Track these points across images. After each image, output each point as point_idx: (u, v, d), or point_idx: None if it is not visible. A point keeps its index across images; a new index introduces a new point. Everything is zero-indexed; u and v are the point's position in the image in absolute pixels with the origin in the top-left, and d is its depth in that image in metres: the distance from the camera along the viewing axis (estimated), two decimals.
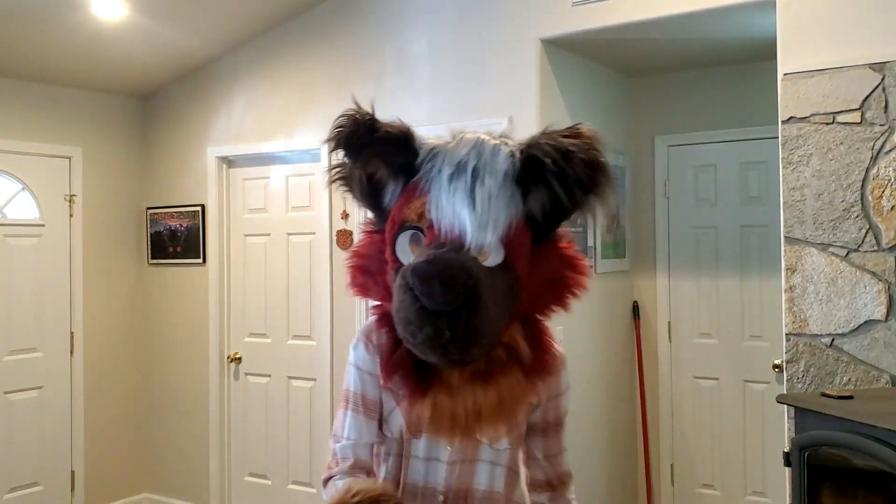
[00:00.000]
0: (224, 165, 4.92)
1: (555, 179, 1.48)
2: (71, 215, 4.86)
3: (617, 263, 4.42)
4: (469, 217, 1.46)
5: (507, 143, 1.55)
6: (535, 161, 1.48)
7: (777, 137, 3.10)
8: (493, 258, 1.47)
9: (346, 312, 4.33)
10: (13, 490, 4.54)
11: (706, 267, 4.42)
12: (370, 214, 1.66)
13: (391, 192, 1.58)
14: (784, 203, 3.07)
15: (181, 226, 5.06)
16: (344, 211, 4.34)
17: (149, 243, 5.21)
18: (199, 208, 4.96)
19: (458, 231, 1.46)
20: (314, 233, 4.53)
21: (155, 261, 5.19)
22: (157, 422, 5.17)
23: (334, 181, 1.63)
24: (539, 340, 1.60)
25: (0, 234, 4.54)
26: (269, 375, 4.74)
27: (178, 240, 5.08)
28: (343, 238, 4.34)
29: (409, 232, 1.54)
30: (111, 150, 5.08)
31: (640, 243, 4.59)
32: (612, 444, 4.32)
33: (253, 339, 4.81)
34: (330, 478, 1.56)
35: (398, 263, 1.52)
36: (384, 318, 1.57)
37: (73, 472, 4.81)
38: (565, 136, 1.50)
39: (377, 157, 1.54)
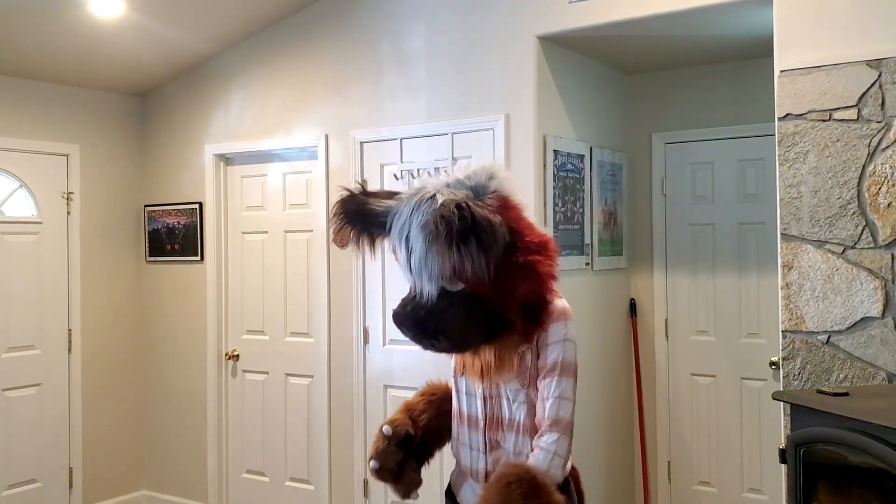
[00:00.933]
0: (221, 163, 4.92)
1: (448, 240, 1.89)
2: (69, 213, 4.86)
3: (614, 261, 4.43)
4: (417, 282, 1.98)
5: (435, 201, 1.95)
6: (436, 233, 1.89)
7: (774, 135, 3.11)
8: (453, 287, 1.95)
9: (343, 310, 4.33)
10: (11, 487, 4.55)
11: (703, 264, 4.42)
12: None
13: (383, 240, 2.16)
14: (780, 200, 3.07)
15: (179, 223, 5.06)
16: None
17: (146, 241, 5.21)
18: (196, 206, 4.96)
19: (416, 290, 2.00)
20: (311, 230, 4.53)
21: (153, 258, 5.19)
22: (155, 419, 5.18)
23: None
24: (540, 307, 2.02)
25: None
26: (267, 372, 4.75)
27: (175, 237, 5.08)
28: (340, 236, 4.33)
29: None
30: (109, 147, 5.08)
31: (638, 240, 4.60)
32: (609, 440, 4.33)
33: (251, 337, 4.82)
34: None
35: None
36: None
37: (71, 469, 4.82)
38: (435, 217, 1.90)
39: (364, 228, 2.17)
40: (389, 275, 4.16)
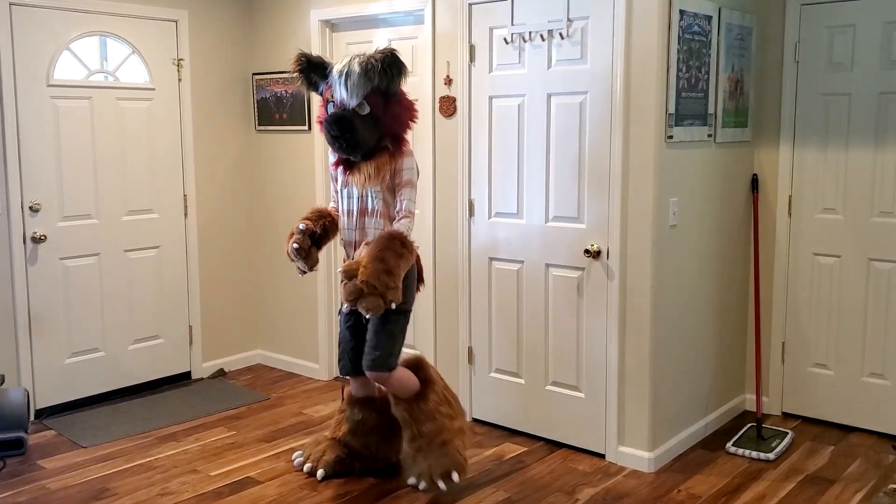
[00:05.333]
0: (327, 29, 4.82)
1: (374, 71, 3.23)
2: (180, 80, 4.90)
3: (738, 133, 4.16)
4: (346, 93, 3.25)
5: (360, 58, 3.26)
6: (369, 63, 3.23)
7: None
8: (364, 110, 3.27)
9: (448, 182, 4.26)
10: (137, 342, 4.83)
11: (835, 137, 4.11)
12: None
13: (321, 87, 3.42)
14: None
15: (286, 92, 5.04)
16: (447, 76, 4.21)
17: (255, 109, 5.23)
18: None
19: (342, 99, 3.27)
20: (417, 99, 4.40)
21: (262, 127, 5.22)
22: (267, 283, 5.35)
23: (299, 84, 3.50)
24: (398, 143, 3.37)
25: (114, 96, 4.63)
26: None
27: (283, 106, 5.08)
28: (446, 104, 4.23)
29: (330, 103, 3.34)
30: (216, 13, 5.05)
31: (764, 112, 4.30)
32: (721, 318, 4.20)
33: None
34: None
35: None
36: None
37: (190, 328, 5.07)
38: (379, 50, 3.28)
39: (310, 72, 3.42)
40: (497, 147, 4.05)
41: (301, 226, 3.43)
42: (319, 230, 3.49)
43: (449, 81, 4.22)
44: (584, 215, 3.78)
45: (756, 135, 4.33)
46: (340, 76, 3.25)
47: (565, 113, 3.79)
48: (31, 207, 4.31)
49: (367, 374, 3.40)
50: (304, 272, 3.52)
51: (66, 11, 4.38)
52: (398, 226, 3.29)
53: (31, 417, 4.32)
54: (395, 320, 3.35)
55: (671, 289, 3.75)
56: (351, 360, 3.56)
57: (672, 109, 3.59)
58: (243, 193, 5.31)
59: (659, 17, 3.47)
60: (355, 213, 3.42)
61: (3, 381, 4.00)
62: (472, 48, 4.10)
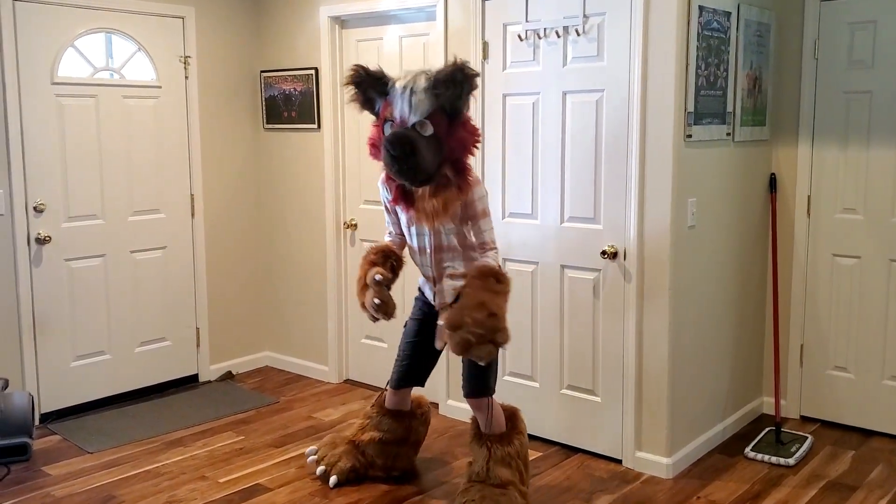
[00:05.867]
0: (337, 26, 4.74)
1: (444, 88, 2.92)
2: (186, 77, 4.83)
3: (756, 132, 4.08)
4: (408, 110, 2.94)
5: (427, 73, 2.97)
6: (437, 80, 2.93)
7: None
8: (427, 131, 2.93)
9: None
10: (143, 344, 4.75)
11: (856, 136, 4.03)
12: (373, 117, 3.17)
13: (378, 104, 3.09)
14: None
15: (295, 90, 4.97)
16: None
17: (263, 108, 5.16)
18: (312, 71, 4.84)
19: (403, 117, 2.95)
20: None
21: (270, 125, 5.14)
22: (276, 284, 5.27)
23: (350, 101, 3.16)
24: (462, 172, 3.04)
25: (119, 94, 4.55)
26: None
27: (292, 104, 5.00)
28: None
29: (388, 122, 3.02)
30: (224, 9, 4.97)
31: (783, 110, 4.22)
32: (739, 320, 4.12)
33: (368, 207, 4.77)
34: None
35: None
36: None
37: (197, 330, 5.00)
38: (450, 66, 2.93)
39: (368, 86, 3.07)
40: (511, 146, 3.97)
41: (377, 277, 3.18)
42: (390, 273, 3.27)
43: None
44: (601, 216, 3.70)
45: (774, 133, 4.25)
46: (405, 91, 2.94)
47: (581, 111, 3.71)
48: (35, 208, 4.23)
49: (470, 401, 3.26)
50: (378, 320, 3.29)
51: (71, 8, 4.30)
52: (487, 261, 3.07)
53: (36, 422, 4.25)
54: None
55: (689, 291, 3.67)
56: (401, 375, 3.45)
57: (691, 108, 3.51)
58: (251, 193, 5.23)
59: (678, 14, 3.38)
60: (429, 251, 3.19)
61: (7, 386, 3.93)
62: (485, 45, 4.02)
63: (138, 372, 4.73)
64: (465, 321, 2.86)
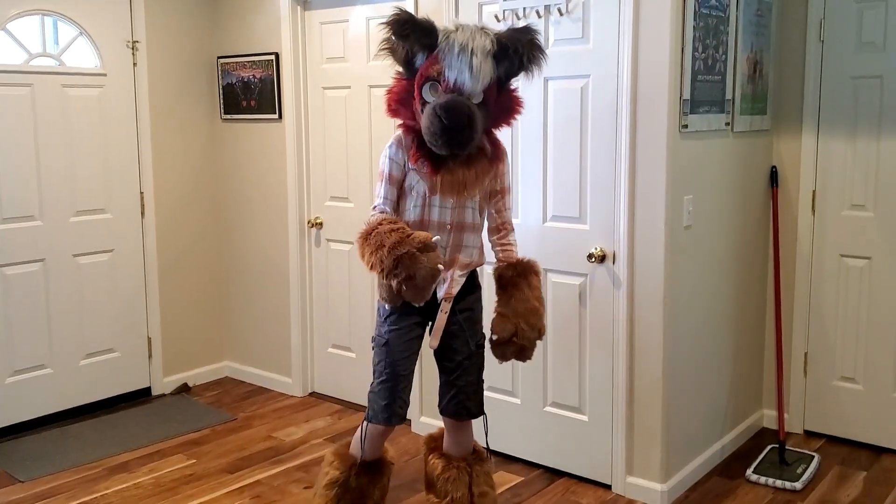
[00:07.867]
0: (299, 7, 4.36)
1: (515, 56, 2.55)
2: (135, 64, 4.42)
3: (756, 121, 3.73)
4: (468, 77, 2.50)
5: (487, 33, 2.55)
6: (503, 46, 2.54)
7: None
8: (477, 99, 2.54)
9: None
10: (89, 356, 4.36)
11: (866, 125, 3.69)
12: (400, 69, 2.65)
13: (419, 59, 2.57)
14: None
15: (255, 77, 4.57)
16: None
17: (221, 96, 4.76)
18: (272, 57, 4.45)
19: (461, 84, 2.50)
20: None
21: (228, 116, 4.75)
22: (235, 288, 4.89)
23: (381, 51, 2.63)
24: (496, 143, 2.73)
25: (59, 83, 4.14)
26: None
27: (251, 93, 4.61)
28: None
29: (431, 83, 2.55)
30: None
31: (785, 97, 3.87)
32: (739, 328, 3.78)
33: (334, 204, 4.39)
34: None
35: (423, 101, 2.55)
36: (409, 130, 2.66)
37: (149, 339, 4.60)
38: (517, 30, 2.59)
39: (415, 38, 2.53)
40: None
41: (436, 238, 2.53)
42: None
43: None
44: (588, 215, 3.34)
45: (776, 123, 3.90)
46: (463, 52, 2.47)
47: (564, 99, 3.35)
48: None
49: (466, 423, 2.83)
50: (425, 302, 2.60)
51: None
52: (515, 247, 2.82)
53: None
54: (482, 354, 2.86)
55: (685, 297, 3.32)
56: (403, 403, 2.76)
57: (687, 95, 3.15)
58: (207, 190, 4.83)
59: None
60: (448, 226, 2.67)
61: None
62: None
63: (84, 386, 4.34)
64: (522, 328, 2.69)
